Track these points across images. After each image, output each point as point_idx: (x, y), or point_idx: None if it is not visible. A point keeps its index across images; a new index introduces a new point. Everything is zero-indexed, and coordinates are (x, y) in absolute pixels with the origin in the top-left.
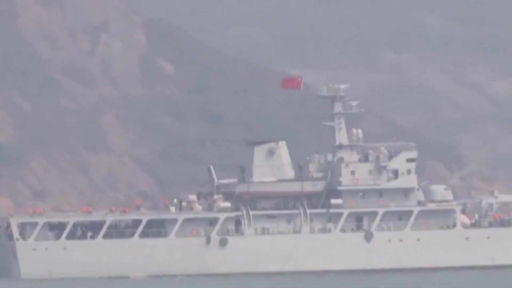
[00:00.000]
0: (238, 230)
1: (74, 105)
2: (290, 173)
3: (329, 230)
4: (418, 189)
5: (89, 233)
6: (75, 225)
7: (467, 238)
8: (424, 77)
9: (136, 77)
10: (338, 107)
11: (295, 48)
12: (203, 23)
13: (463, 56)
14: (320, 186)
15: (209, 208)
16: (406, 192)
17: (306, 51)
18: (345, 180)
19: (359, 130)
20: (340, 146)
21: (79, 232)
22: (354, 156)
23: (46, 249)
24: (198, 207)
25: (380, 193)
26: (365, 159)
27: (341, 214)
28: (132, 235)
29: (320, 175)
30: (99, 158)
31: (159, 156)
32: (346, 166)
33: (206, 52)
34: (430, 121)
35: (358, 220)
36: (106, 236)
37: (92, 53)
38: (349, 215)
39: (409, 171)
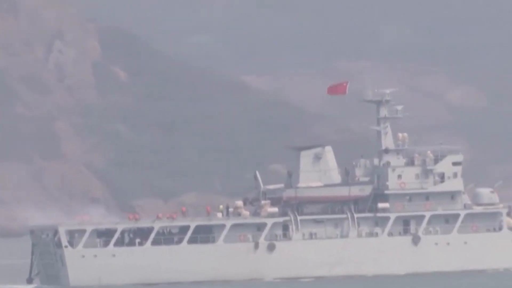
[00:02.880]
0: (286, 235)
1: (29, 112)
2: (336, 177)
3: (377, 234)
4: (464, 193)
5: (137, 240)
6: (123, 232)
7: None
8: (380, 85)
9: (90, 84)
10: (383, 112)
11: (250, 56)
12: (157, 31)
13: (419, 64)
14: (367, 190)
15: (255, 213)
16: (452, 195)
17: (261, 59)
18: (392, 184)
19: (405, 134)
20: (387, 150)
21: (127, 239)
22: (401, 160)
23: (95, 256)
24: (245, 212)
25: (427, 196)
26: (411, 163)
27: (388, 218)
28: (180, 241)
29: (366, 179)
30: (53, 165)
31: (113, 164)
32: (393, 170)
33: (160, 60)
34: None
35: (405, 223)
36: (155, 242)
37: (47, 60)
38: (396, 219)
39: (455, 175)
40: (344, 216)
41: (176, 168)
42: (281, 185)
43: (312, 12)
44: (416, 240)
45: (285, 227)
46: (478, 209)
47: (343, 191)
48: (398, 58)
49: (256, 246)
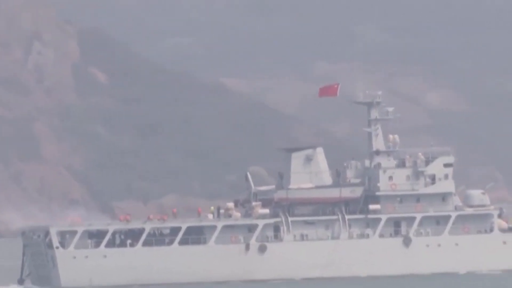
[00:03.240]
0: (277, 237)
1: (7, 114)
2: (328, 179)
3: (368, 236)
4: (455, 194)
5: (128, 241)
6: (114, 233)
7: (504, 242)
8: (359, 88)
9: (70, 86)
10: (374, 113)
11: (230, 59)
12: (136, 33)
13: (396, 66)
14: (358, 192)
15: (246, 215)
16: (443, 197)
17: (240, 61)
18: (383, 186)
19: (396, 136)
20: (378, 152)
21: (118, 240)
22: (391, 162)
23: (86, 257)
24: (236, 214)
25: (418, 198)
26: (402, 164)
27: (379, 220)
28: (171, 242)
29: (357, 181)
30: (32, 167)
31: (92, 165)
32: (384, 171)
33: (139, 62)
34: (365, 132)
35: (396, 225)
36: (146, 243)
37: (25, 62)
38: (387, 220)
39: (446, 176)
40: (335, 217)
41: (155, 170)
42: (272, 187)
43: (290, 15)
44: (407, 241)
45: (276, 228)
46: (469, 210)
47: (334, 193)
48: (377, 60)
49: (247, 247)
